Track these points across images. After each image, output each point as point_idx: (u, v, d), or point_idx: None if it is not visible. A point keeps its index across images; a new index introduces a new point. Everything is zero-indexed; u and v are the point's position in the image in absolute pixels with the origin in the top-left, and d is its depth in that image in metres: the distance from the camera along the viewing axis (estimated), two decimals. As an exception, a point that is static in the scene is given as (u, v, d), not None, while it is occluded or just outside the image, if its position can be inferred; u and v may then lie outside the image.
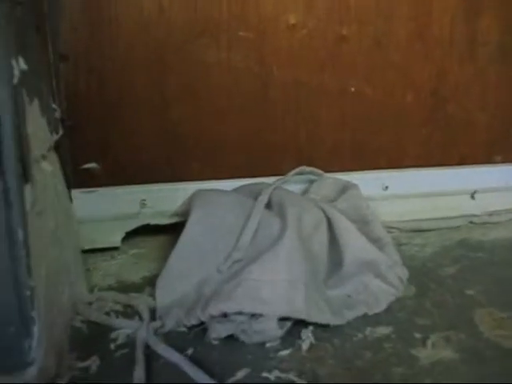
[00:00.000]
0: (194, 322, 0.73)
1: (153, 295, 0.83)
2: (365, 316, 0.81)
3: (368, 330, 0.77)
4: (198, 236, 0.82)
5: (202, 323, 0.74)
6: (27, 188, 0.59)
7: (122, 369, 0.68)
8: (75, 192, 0.95)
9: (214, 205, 0.85)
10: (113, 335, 0.75)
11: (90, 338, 0.76)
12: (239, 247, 0.78)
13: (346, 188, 0.93)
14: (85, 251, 0.97)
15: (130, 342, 0.73)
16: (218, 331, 0.72)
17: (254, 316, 0.71)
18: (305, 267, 0.75)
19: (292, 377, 0.65)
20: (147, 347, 0.71)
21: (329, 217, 0.84)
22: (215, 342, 0.73)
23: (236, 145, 1.02)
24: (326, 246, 0.84)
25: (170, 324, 0.75)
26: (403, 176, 1.10)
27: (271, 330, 0.69)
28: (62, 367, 0.68)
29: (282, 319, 0.72)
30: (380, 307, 0.82)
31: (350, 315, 0.79)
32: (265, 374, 0.67)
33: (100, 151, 0.98)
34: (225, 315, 0.72)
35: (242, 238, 0.80)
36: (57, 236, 0.73)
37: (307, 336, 0.75)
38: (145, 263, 0.98)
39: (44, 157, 0.75)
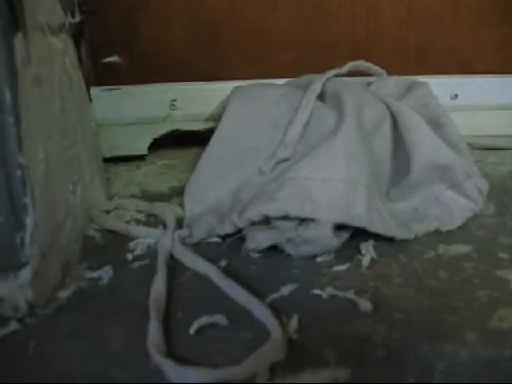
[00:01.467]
0: (228, 229, 0.59)
1: (181, 205, 0.68)
2: (436, 232, 0.65)
3: (442, 248, 0.61)
4: (236, 133, 0.67)
5: (239, 232, 0.59)
6: (18, 37, 0.45)
7: (138, 281, 0.54)
8: (94, 90, 0.81)
9: (255, 97, 0.69)
10: (131, 245, 0.61)
11: (105, 247, 0.62)
12: (286, 143, 0.63)
13: (412, 87, 0.76)
14: (106, 160, 0.83)
15: (151, 253, 0.59)
16: (257, 240, 0.57)
17: (303, 222, 0.55)
18: (366, 167, 0.59)
19: (350, 295, 0.50)
20: (171, 258, 0.57)
21: (394, 113, 0.67)
22: (254, 255, 0.58)
23: (283, 38, 0.85)
24: (389, 148, 0.68)
25: (199, 233, 0.61)
26: (476, 83, 0.92)
27: (324, 239, 0.54)
28: (69, 277, 0.54)
29: (337, 229, 0.56)
30: (454, 223, 0.66)
31: (420, 229, 0.63)
32: (316, 291, 0.52)
33: (124, 43, 0.84)
34: (267, 221, 0.57)
35: (289, 132, 0.64)
36: (65, 124, 0.59)
37: (368, 250, 0.59)
38: (174, 174, 0.84)
39: (52, 30, 0.60)
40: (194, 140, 0.88)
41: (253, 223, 0.58)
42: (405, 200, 0.68)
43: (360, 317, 0.49)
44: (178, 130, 0.87)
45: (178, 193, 0.73)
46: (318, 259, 0.58)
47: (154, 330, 0.45)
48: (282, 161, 0.64)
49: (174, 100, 0.85)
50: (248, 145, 0.66)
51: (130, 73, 0.85)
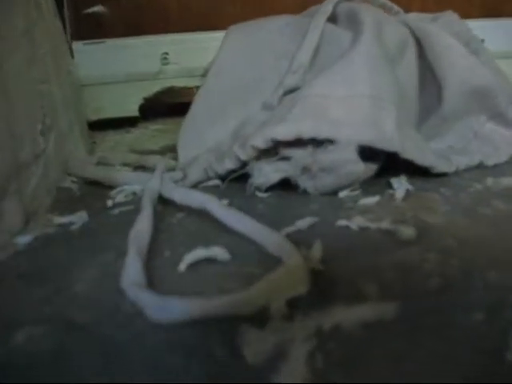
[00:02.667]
0: (229, 165, 0.47)
1: (176, 159, 0.56)
2: (479, 167, 0.52)
3: (490, 181, 0.49)
4: (235, 65, 0.56)
5: (242, 168, 0.47)
6: None
7: (117, 225, 0.42)
8: (76, 44, 0.70)
9: (255, 28, 0.58)
10: (113, 193, 0.49)
11: (82, 198, 0.50)
12: (294, 70, 0.51)
13: (438, 16, 0.64)
14: (91, 126, 0.71)
15: (136, 200, 0.46)
16: (265, 174, 0.45)
17: (320, 148, 0.43)
18: (393, 86, 0.47)
19: (386, 225, 0.38)
20: (160, 202, 0.45)
21: (419, 37, 0.56)
22: (261, 194, 0.46)
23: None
24: (415, 79, 0.56)
25: (195, 173, 0.49)
26: (503, 26, 0.80)
27: (348, 164, 0.42)
28: (33, 223, 0.42)
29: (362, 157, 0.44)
30: (500, 157, 0.53)
31: (460, 162, 0.50)
32: (342, 223, 0.39)
33: None
34: (275, 152, 0.45)
35: (297, 57, 0.52)
36: (31, 52, 0.48)
37: (400, 183, 0.47)
38: (168, 136, 0.71)
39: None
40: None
41: (258, 156, 0.46)
42: (437, 138, 0.56)
43: (402, 246, 0.36)
44: (171, 88, 0.76)
45: (172, 150, 0.61)
46: (341, 195, 0.46)
47: (131, 265, 0.32)
48: (290, 90, 0.52)
49: (166, 53, 0.75)
50: (250, 77, 0.55)
51: (115, 24, 0.74)
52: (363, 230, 0.39)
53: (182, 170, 0.51)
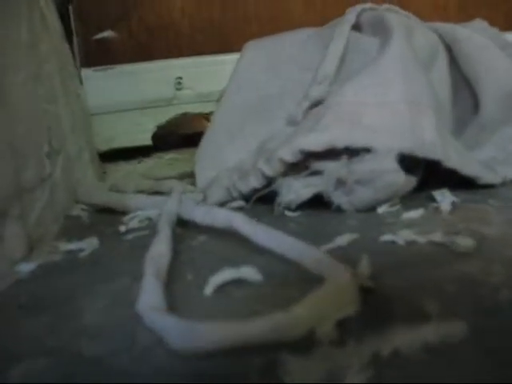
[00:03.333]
0: (254, 183, 0.43)
1: (194, 184, 0.52)
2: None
3: (542, 192, 0.44)
4: (255, 79, 0.52)
5: (268, 187, 0.42)
6: None
7: (130, 251, 0.38)
8: (86, 71, 0.66)
9: (276, 41, 0.55)
10: (126, 219, 0.44)
11: (92, 224, 0.46)
12: (319, 80, 0.47)
13: (466, 25, 0.60)
14: (101, 156, 0.68)
15: (152, 225, 0.42)
16: (294, 191, 0.40)
17: (355, 157, 0.39)
18: (429, 90, 0.43)
19: (439, 238, 0.33)
20: (178, 225, 0.40)
21: (450, 43, 0.52)
22: (291, 213, 0.42)
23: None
24: (448, 87, 0.51)
25: (216, 194, 0.44)
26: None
27: (388, 174, 0.38)
28: (37, 250, 0.38)
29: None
30: (550, 167, 0.48)
31: (507, 173, 0.45)
32: (386, 238, 0.34)
33: (119, 14, 0.69)
34: (304, 166, 0.41)
35: (322, 67, 0.48)
36: (37, 66, 0.45)
37: (444, 196, 0.42)
38: (184, 163, 0.67)
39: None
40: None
41: (286, 172, 0.42)
42: (475, 150, 0.51)
43: (460, 258, 0.31)
44: (186, 114, 0.72)
45: (190, 176, 0.57)
46: (379, 210, 0.41)
47: (148, 287, 0.28)
48: (315, 104, 0.48)
49: (180, 78, 0.71)
50: (272, 92, 0.51)
51: (126, 49, 0.71)
52: (411, 244, 0.35)
53: (202, 191, 0.46)
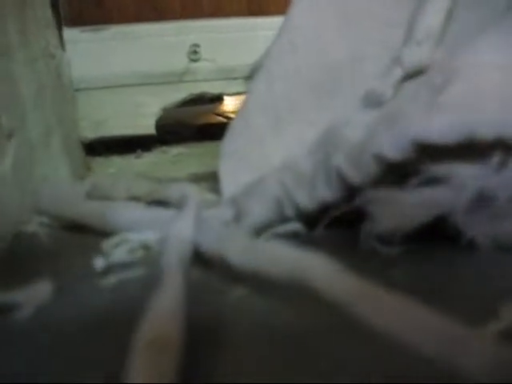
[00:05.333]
0: (325, 194, 0.25)
1: (214, 190, 0.36)
2: None
3: None
4: (316, 36, 0.34)
5: (348, 202, 0.25)
6: None
7: (113, 316, 0.21)
8: (70, 32, 0.50)
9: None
10: (107, 245, 0.27)
11: (52, 251, 0.28)
12: (419, 39, 0.30)
13: None
14: (87, 146, 0.50)
15: (150, 258, 0.24)
16: (399, 213, 0.23)
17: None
18: None
19: None
20: (198, 263, 0.22)
21: None
22: (388, 249, 0.24)
23: None
24: None
25: (258, 209, 0.27)
26: None
27: None
28: None
29: None
30: None
31: None
32: None
33: None
34: (414, 169, 0.23)
35: (422, 22, 0.32)
36: None
37: None
38: (195, 161, 0.51)
39: None
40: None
41: (380, 180, 0.24)
42: None
43: None
44: (202, 95, 0.55)
45: (205, 178, 0.43)
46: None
47: None
48: (412, 74, 0.31)
49: (197, 45, 0.54)
50: (340, 55, 0.35)
51: (126, 4, 0.54)
52: None
53: (232, 204, 0.29)
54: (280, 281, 0.21)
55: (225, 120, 0.67)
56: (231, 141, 0.37)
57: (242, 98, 0.58)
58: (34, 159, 0.36)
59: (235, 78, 0.55)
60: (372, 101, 0.33)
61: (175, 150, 0.57)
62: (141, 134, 0.55)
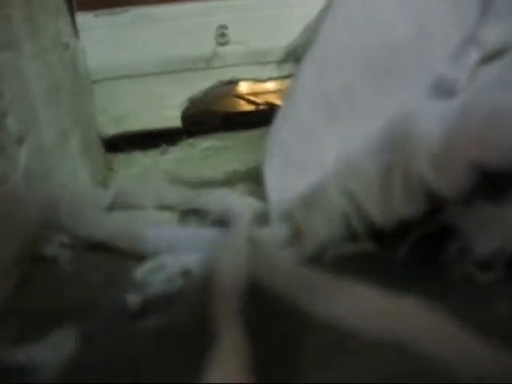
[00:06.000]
0: (408, 209, 0.19)
1: (256, 194, 0.32)
2: None
3: None
4: (376, 11, 0.29)
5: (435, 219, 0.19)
6: None
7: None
8: (84, 16, 0.45)
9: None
10: (138, 273, 0.22)
11: (74, 281, 0.23)
12: (499, 12, 0.24)
13: None
14: (107, 143, 0.48)
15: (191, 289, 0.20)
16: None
17: None
18: None
19: None
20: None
21: None
22: (484, 276, 0.19)
23: None
24: None
25: (320, 225, 0.21)
26: None
27: None
28: None
29: None
30: None
31: None
32: None
33: None
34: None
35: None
36: None
37: None
38: (230, 155, 0.46)
39: None
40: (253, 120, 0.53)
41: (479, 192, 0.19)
42: None
43: None
44: (233, 82, 0.50)
45: (245, 178, 0.39)
46: None
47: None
48: (492, 55, 0.26)
49: (224, 27, 0.50)
50: (403, 31, 0.29)
51: None
52: None
53: (288, 219, 0.24)
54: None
55: (252, 107, 0.62)
56: (277, 135, 0.32)
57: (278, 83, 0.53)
58: (48, 165, 0.32)
59: (268, 63, 0.50)
60: (444, 89, 0.28)
61: (204, 144, 0.53)
62: (165, 128, 0.50)
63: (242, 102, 0.64)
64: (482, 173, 0.21)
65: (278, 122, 0.32)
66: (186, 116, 0.52)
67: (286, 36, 0.47)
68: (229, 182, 0.39)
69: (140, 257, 0.25)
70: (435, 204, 0.21)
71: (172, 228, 0.27)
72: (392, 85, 0.29)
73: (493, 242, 0.20)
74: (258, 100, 0.61)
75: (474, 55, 0.28)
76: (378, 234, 0.23)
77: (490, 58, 0.28)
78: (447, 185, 0.21)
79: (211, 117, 0.61)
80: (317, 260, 0.23)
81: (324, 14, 0.32)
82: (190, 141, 0.54)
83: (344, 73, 0.30)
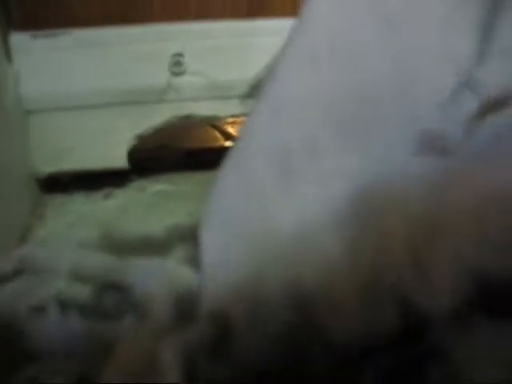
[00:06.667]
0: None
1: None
2: None
3: None
4: (351, 39, 0.23)
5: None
6: None
7: None
8: (19, 37, 0.42)
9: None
10: None
11: None
12: (504, 47, 0.18)
13: None
14: (45, 183, 0.45)
15: None
16: None
17: None
18: None
19: None
20: None
21: None
22: None
23: None
24: None
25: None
26: None
27: None
28: None
29: None
30: None
31: None
32: None
33: None
34: None
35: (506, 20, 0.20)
36: None
37: None
38: (181, 204, 0.44)
39: None
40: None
41: None
42: None
43: None
44: (189, 118, 0.44)
45: (188, 236, 0.33)
46: None
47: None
48: (495, 104, 0.20)
49: (180, 55, 0.44)
50: (380, 70, 0.23)
51: (90, 4, 0.43)
52: None
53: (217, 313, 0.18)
54: None
55: (223, 142, 0.56)
56: (220, 194, 0.26)
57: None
58: None
59: (230, 97, 0.45)
60: (432, 146, 0.22)
61: (155, 187, 0.47)
62: (111, 168, 0.45)
63: (212, 135, 0.58)
64: (480, 278, 0.15)
65: (224, 174, 0.26)
66: (133, 155, 0.46)
67: (251, 67, 0.43)
68: (169, 240, 0.33)
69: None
70: (414, 321, 0.15)
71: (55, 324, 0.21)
72: (364, 139, 0.24)
73: (494, 371, 0.14)
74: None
75: (471, 103, 0.22)
76: (335, 354, 0.17)
77: (491, 107, 0.22)
78: (432, 295, 0.15)
79: (171, 153, 0.55)
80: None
81: (286, 45, 0.26)
82: (141, 182, 0.48)
83: (306, 120, 0.24)
